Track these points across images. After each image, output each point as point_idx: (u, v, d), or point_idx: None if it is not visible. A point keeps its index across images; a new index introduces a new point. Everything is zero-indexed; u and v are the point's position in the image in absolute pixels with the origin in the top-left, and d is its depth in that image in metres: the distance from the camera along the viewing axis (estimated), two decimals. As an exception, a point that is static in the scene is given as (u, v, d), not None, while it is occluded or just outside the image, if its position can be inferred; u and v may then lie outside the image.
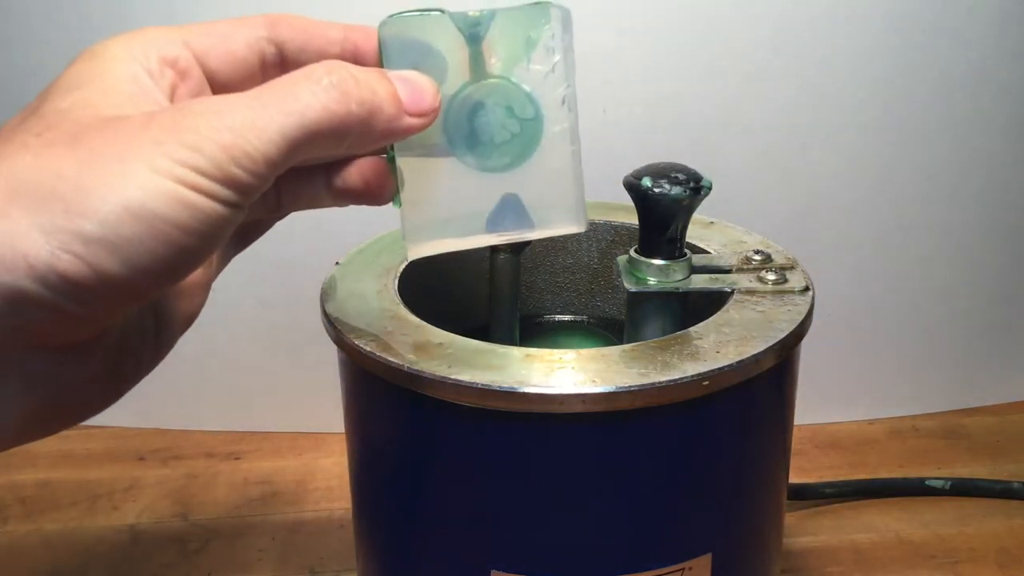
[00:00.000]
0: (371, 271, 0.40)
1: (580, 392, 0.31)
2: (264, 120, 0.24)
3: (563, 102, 0.31)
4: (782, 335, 0.34)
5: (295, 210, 0.34)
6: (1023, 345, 0.66)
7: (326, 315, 0.36)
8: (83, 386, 0.27)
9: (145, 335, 0.29)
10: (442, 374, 0.31)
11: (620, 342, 0.41)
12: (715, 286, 0.38)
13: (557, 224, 0.33)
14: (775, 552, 0.40)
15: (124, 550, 0.54)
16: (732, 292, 0.38)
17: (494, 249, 0.41)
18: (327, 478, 0.60)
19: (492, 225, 0.32)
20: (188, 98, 0.28)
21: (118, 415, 0.64)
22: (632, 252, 0.39)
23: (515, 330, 0.43)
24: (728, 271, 0.40)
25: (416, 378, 0.32)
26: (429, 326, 0.35)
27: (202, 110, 0.24)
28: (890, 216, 0.60)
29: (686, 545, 0.34)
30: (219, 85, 0.29)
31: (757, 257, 0.40)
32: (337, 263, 0.41)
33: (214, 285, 0.34)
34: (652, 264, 0.38)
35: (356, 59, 0.30)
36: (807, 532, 0.54)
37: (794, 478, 0.47)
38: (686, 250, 0.39)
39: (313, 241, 0.56)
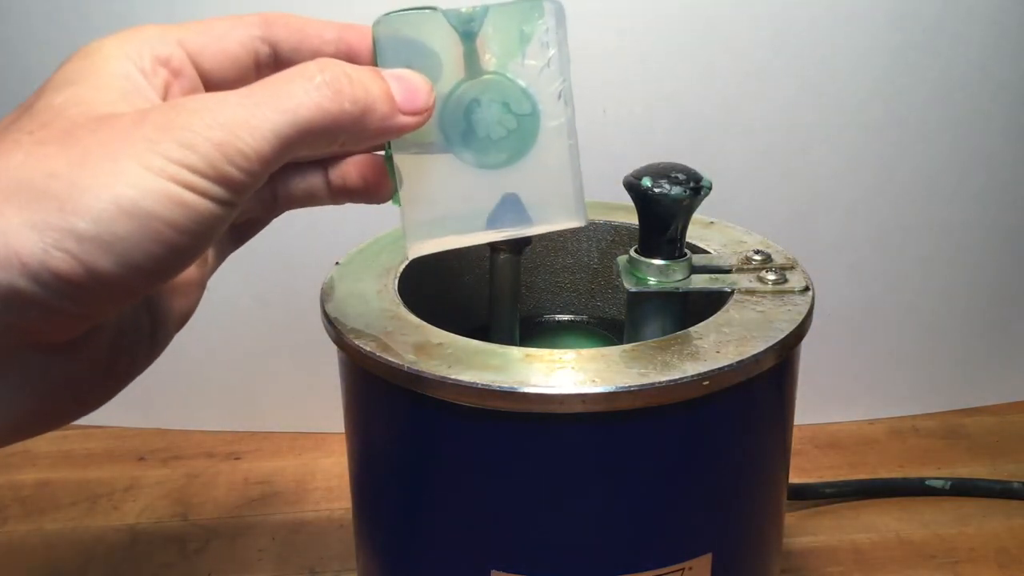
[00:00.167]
0: (371, 271, 0.40)
1: (580, 392, 0.31)
2: (257, 118, 0.24)
3: (559, 96, 0.31)
4: (782, 335, 0.34)
5: (292, 208, 0.34)
6: (1023, 345, 0.66)
7: (326, 315, 0.36)
8: (78, 384, 0.27)
9: (140, 333, 0.29)
10: (442, 374, 0.31)
11: (620, 342, 0.41)
12: (715, 286, 0.38)
13: (556, 219, 0.33)
14: (775, 552, 0.40)
15: (124, 550, 0.54)
16: (732, 292, 0.38)
17: (494, 249, 0.41)
18: (327, 478, 0.60)
19: (492, 222, 0.32)
20: (181, 97, 0.28)
21: (118, 415, 0.64)
22: (632, 252, 0.39)
23: (515, 330, 0.43)
24: (728, 271, 0.40)
25: (416, 378, 0.32)
26: (429, 326, 0.35)
27: (195, 107, 0.24)
28: (890, 216, 0.60)
29: (686, 545, 0.34)
30: (213, 84, 0.29)
31: (757, 257, 0.40)
32: (337, 263, 0.41)
33: (214, 285, 0.34)
34: (652, 264, 0.38)
35: (350, 59, 0.30)
36: (807, 532, 0.54)
37: (794, 478, 0.47)
38: (686, 250, 0.39)
39: (313, 241, 0.57)
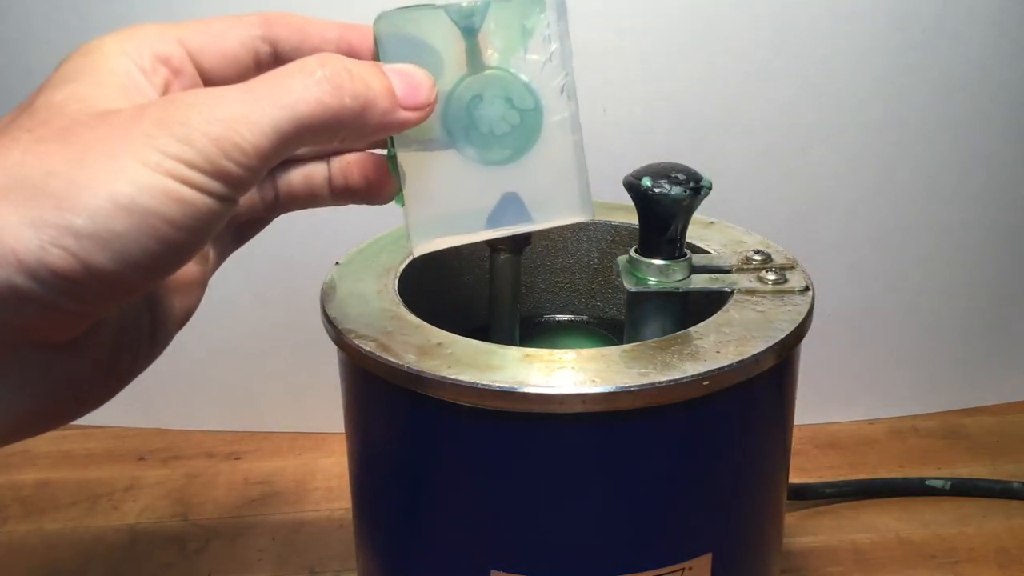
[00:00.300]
0: (371, 271, 0.40)
1: (580, 392, 0.31)
2: (256, 113, 0.24)
3: (562, 91, 0.31)
4: (782, 335, 0.34)
5: (294, 209, 0.34)
6: (1023, 345, 0.66)
7: (326, 315, 0.36)
8: (78, 383, 0.27)
9: (140, 331, 0.29)
10: (442, 374, 0.31)
11: (620, 342, 0.41)
12: (715, 286, 0.38)
13: (563, 214, 0.33)
14: (775, 552, 0.40)
15: (124, 550, 0.54)
16: (732, 292, 0.38)
17: (494, 249, 0.41)
18: (327, 478, 0.60)
19: (497, 218, 0.32)
20: None
21: (118, 415, 0.64)
22: (632, 252, 0.39)
23: (515, 330, 0.43)
24: (728, 271, 0.40)
25: (416, 378, 0.32)
26: (429, 326, 0.35)
27: (193, 102, 0.24)
28: (890, 216, 0.60)
29: (686, 545, 0.34)
30: (212, 83, 0.29)
31: (757, 257, 0.40)
32: (337, 263, 0.41)
33: (214, 285, 0.34)
34: (652, 264, 0.38)
35: (352, 57, 0.30)
36: (807, 532, 0.54)
37: (794, 478, 0.47)
38: (686, 250, 0.39)
39: (313, 241, 0.56)
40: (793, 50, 0.56)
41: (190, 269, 0.31)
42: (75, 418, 0.28)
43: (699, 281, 0.38)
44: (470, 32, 0.30)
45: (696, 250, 0.42)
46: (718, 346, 0.33)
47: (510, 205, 0.32)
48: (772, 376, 0.34)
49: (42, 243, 0.22)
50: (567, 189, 0.32)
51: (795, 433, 0.39)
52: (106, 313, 0.26)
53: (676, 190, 0.36)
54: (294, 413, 0.64)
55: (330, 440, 0.63)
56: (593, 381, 0.31)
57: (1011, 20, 0.56)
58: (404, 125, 0.28)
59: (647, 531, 0.34)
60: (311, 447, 0.63)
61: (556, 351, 0.33)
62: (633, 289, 0.38)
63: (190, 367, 0.62)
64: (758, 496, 0.37)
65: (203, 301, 0.32)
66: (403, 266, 0.40)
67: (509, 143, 0.31)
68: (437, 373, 0.31)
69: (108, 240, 0.22)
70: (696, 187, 0.37)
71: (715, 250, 0.42)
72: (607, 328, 0.47)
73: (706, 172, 0.38)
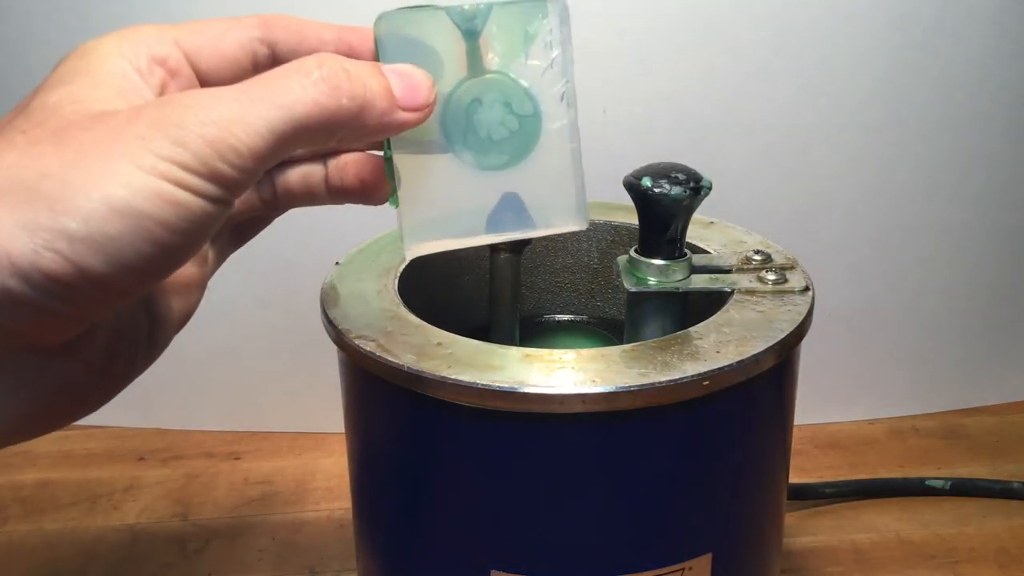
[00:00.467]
0: (371, 271, 0.40)
1: (580, 392, 0.31)
2: (252, 114, 0.24)
3: (562, 98, 0.31)
4: (782, 335, 0.34)
5: (292, 207, 0.34)
6: (1023, 345, 0.66)
7: (326, 315, 0.36)
8: (74, 385, 0.26)
9: (138, 334, 0.29)
10: (442, 374, 0.31)
11: (620, 342, 0.41)
12: (715, 286, 0.38)
13: (557, 222, 0.32)
14: (775, 552, 0.40)
15: (124, 550, 0.54)
16: (732, 292, 0.38)
17: (494, 249, 0.41)
18: (327, 478, 0.60)
19: (491, 224, 0.32)
20: None
21: (118, 415, 0.64)
22: (632, 252, 0.39)
23: (515, 330, 0.43)
24: (728, 271, 0.40)
25: (416, 378, 0.32)
26: (429, 326, 0.35)
27: (188, 103, 0.24)
28: (890, 216, 0.60)
29: (686, 545, 0.34)
30: (209, 84, 0.29)
31: (757, 257, 0.40)
32: (337, 263, 0.41)
33: (214, 285, 0.34)
34: (652, 264, 0.38)
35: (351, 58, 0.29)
36: (807, 532, 0.54)
37: (794, 478, 0.47)
38: (686, 250, 0.39)
39: (313, 241, 0.57)
40: (793, 50, 0.56)
41: (188, 270, 0.31)
42: (73, 420, 0.27)
43: (699, 281, 0.38)
44: (471, 35, 0.30)
45: (696, 250, 0.42)
46: (718, 346, 0.33)
47: (504, 211, 0.32)
48: (772, 376, 0.34)
49: (35, 246, 0.22)
50: (563, 197, 0.32)
51: (795, 433, 0.39)
52: (100, 316, 0.26)
53: (676, 190, 0.36)
54: (294, 413, 0.64)
55: (330, 440, 0.63)
56: (593, 381, 0.31)
57: (1011, 20, 0.56)
58: (403, 126, 0.28)
59: (647, 531, 0.34)
60: (311, 447, 0.63)
61: (556, 351, 0.33)
62: (633, 289, 0.38)
63: (190, 367, 0.62)
64: (758, 496, 0.37)
65: (203, 302, 0.32)
66: (403, 266, 0.40)
67: (507, 148, 0.31)
68: (437, 373, 0.31)
69: (101, 243, 0.22)
70: (696, 187, 0.37)
71: (715, 250, 0.42)
72: (607, 328, 0.47)
73: (706, 172, 0.38)
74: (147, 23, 0.28)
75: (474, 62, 0.30)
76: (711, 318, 0.36)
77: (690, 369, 0.32)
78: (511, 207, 0.32)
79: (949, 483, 0.57)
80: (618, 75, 0.56)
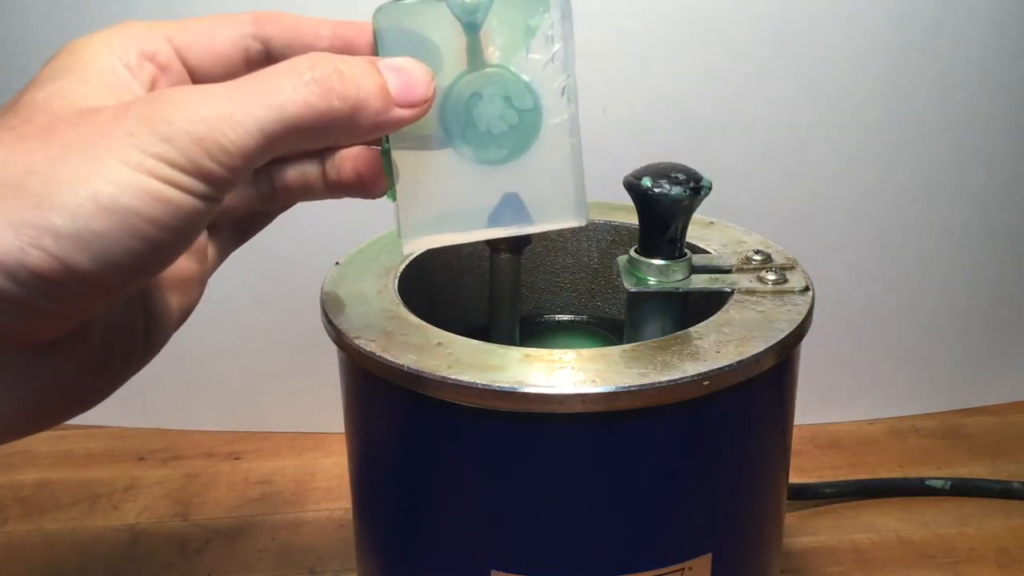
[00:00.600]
0: (371, 271, 0.40)
1: (580, 392, 0.31)
2: (241, 113, 0.24)
3: (563, 93, 0.31)
4: (782, 335, 0.34)
5: (289, 201, 0.33)
6: (1023, 345, 0.66)
7: (326, 315, 0.36)
8: (67, 383, 0.26)
9: (134, 330, 0.29)
10: (442, 374, 0.31)
11: (620, 342, 0.41)
12: (715, 286, 0.38)
13: (556, 218, 0.32)
14: (775, 552, 0.40)
15: (124, 550, 0.54)
16: (732, 292, 0.38)
17: (494, 249, 0.41)
18: (327, 478, 0.60)
19: (490, 219, 0.32)
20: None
21: (118, 415, 0.64)
22: (632, 252, 0.39)
23: (515, 330, 0.43)
24: (728, 271, 0.40)
25: (416, 378, 0.32)
26: (429, 326, 0.35)
27: (177, 100, 0.24)
28: (890, 216, 0.60)
29: (686, 545, 0.34)
30: (201, 81, 0.29)
31: (757, 257, 0.40)
32: (337, 263, 0.41)
33: (214, 285, 0.33)
34: (652, 264, 0.38)
35: (348, 53, 0.29)
36: (807, 532, 0.54)
37: (794, 478, 0.47)
38: (686, 250, 0.39)
39: (313, 241, 0.57)
40: (793, 50, 0.56)
41: (187, 267, 0.31)
42: (70, 417, 0.27)
43: (699, 281, 0.38)
44: (472, 28, 0.30)
45: (696, 250, 0.42)
46: (718, 346, 0.33)
47: (503, 207, 0.32)
48: (772, 376, 0.34)
49: (21, 244, 0.22)
50: (562, 193, 0.32)
51: (795, 433, 0.39)
52: (90, 314, 0.25)
53: (676, 190, 0.36)
54: (294, 413, 0.64)
55: (330, 440, 0.63)
56: (593, 381, 0.31)
57: (1011, 20, 0.56)
58: (400, 123, 0.27)
59: (647, 531, 0.34)
60: (311, 447, 0.63)
61: (556, 351, 0.33)
62: (633, 289, 0.38)
63: (190, 367, 0.62)
64: (758, 496, 0.37)
65: (203, 301, 0.32)
66: (403, 266, 0.40)
67: (506, 143, 0.31)
68: (437, 373, 0.31)
69: (88, 240, 0.22)
70: (696, 187, 0.37)
71: (715, 250, 0.42)
72: (607, 328, 0.47)
73: (706, 172, 0.38)
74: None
75: (474, 56, 0.30)
76: (711, 318, 0.36)
77: (690, 369, 0.32)
78: (509, 203, 0.32)
79: (949, 483, 0.57)
80: (618, 75, 0.56)
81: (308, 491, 0.59)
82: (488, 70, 0.30)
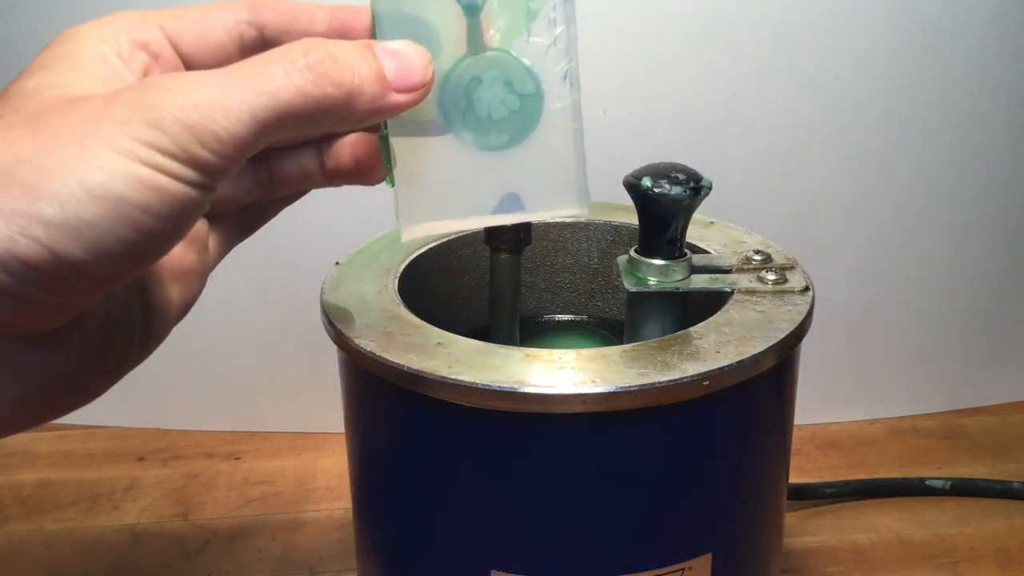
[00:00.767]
0: (371, 271, 0.40)
1: (580, 392, 0.31)
2: (233, 100, 0.23)
3: (565, 77, 0.30)
4: (782, 335, 0.34)
5: (288, 191, 0.33)
6: (1023, 345, 0.66)
7: (326, 315, 0.36)
8: (66, 374, 0.26)
9: (131, 321, 0.28)
10: (442, 374, 0.31)
11: (620, 342, 0.41)
12: (715, 286, 0.38)
13: (557, 205, 0.31)
14: (775, 552, 0.40)
15: (124, 550, 0.54)
16: (732, 292, 0.38)
17: (494, 249, 0.41)
18: (327, 478, 0.60)
19: (490, 207, 0.31)
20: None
21: (118, 415, 0.64)
22: (632, 252, 0.39)
23: (515, 330, 0.43)
24: (728, 271, 0.40)
25: (416, 378, 0.32)
26: (429, 326, 0.35)
27: (168, 87, 0.23)
28: (890, 216, 0.60)
29: (686, 545, 0.34)
30: (194, 69, 0.28)
31: (757, 257, 0.40)
32: (337, 263, 0.41)
33: (214, 285, 0.33)
34: (652, 264, 0.38)
35: (345, 38, 0.29)
36: (807, 532, 0.54)
37: (794, 478, 0.47)
38: (686, 250, 0.39)
39: (313, 241, 0.57)
40: (793, 50, 0.56)
41: (187, 258, 0.30)
42: (70, 410, 0.27)
43: (699, 281, 0.38)
44: (472, 11, 0.29)
45: (696, 250, 0.42)
46: (718, 346, 0.33)
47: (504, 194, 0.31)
48: (772, 376, 0.34)
49: (11, 233, 0.21)
50: (564, 179, 0.31)
51: (795, 433, 0.39)
52: (85, 305, 0.25)
53: (676, 190, 0.36)
54: (294, 413, 0.64)
55: (330, 440, 0.63)
56: (593, 381, 0.31)
57: (1011, 20, 0.56)
58: (397, 109, 0.27)
59: (647, 531, 0.34)
60: (311, 447, 0.63)
61: (556, 351, 0.33)
62: (633, 289, 0.38)
63: (190, 367, 0.62)
64: (758, 496, 0.37)
65: (203, 301, 0.32)
66: (403, 266, 0.40)
67: (507, 128, 0.30)
68: (437, 373, 0.31)
69: (79, 229, 0.22)
70: (696, 187, 0.37)
71: (715, 250, 0.42)
72: (607, 328, 0.47)
73: (706, 172, 0.38)
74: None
75: (474, 39, 0.30)
76: (711, 318, 0.36)
77: (690, 369, 0.32)
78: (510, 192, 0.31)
79: (949, 483, 0.57)
80: (618, 75, 0.56)
81: (308, 491, 0.59)
82: (489, 54, 0.30)
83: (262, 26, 0.29)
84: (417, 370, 0.32)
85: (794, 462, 0.41)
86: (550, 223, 0.46)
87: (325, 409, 0.58)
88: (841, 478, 0.58)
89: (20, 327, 0.24)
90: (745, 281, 0.38)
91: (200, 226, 0.31)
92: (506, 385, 0.31)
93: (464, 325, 0.44)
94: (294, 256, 0.59)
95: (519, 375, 0.31)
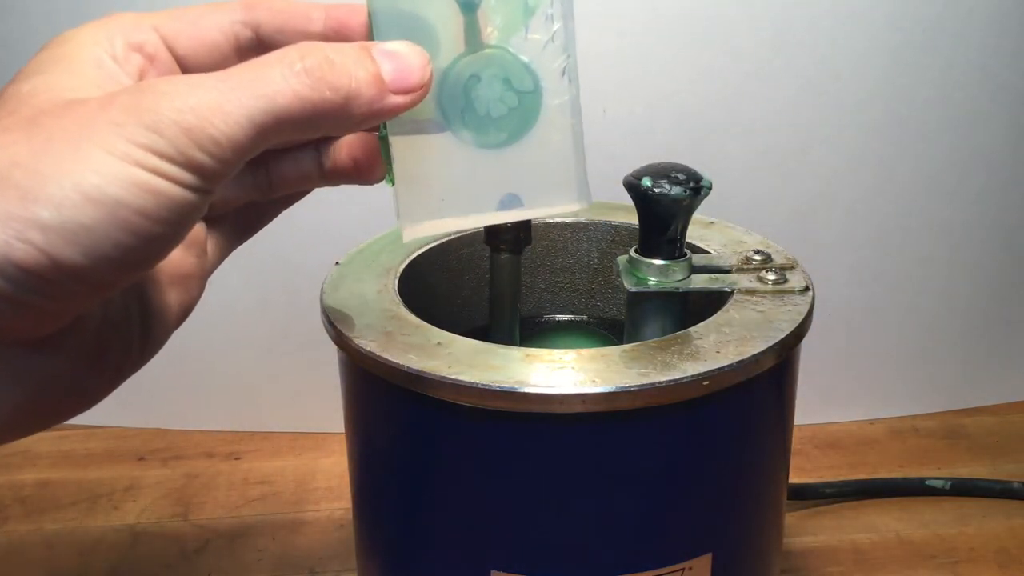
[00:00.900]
0: (371, 271, 0.40)
1: (580, 392, 0.31)
2: (231, 103, 0.23)
3: (563, 73, 0.30)
4: (782, 335, 0.34)
5: (287, 191, 0.33)
6: (1023, 345, 0.66)
7: (326, 315, 0.36)
8: (65, 379, 0.26)
9: (130, 326, 0.28)
10: (442, 374, 0.31)
11: (620, 342, 0.41)
12: (715, 286, 0.38)
13: (557, 201, 0.31)
14: (775, 552, 0.40)
15: (124, 550, 0.54)
16: (732, 292, 0.38)
17: (494, 249, 0.41)
18: (327, 478, 0.60)
19: (490, 204, 0.31)
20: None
21: (118, 415, 0.64)
22: (632, 252, 0.39)
23: (515, 330, 0.43)
24: (728, 271, 0.40)
25: (416, 378, 0.32)
26: (429, 326, 0.35)
27: (165, 90, 0.23)
28: (890, 216, 0.60)
29: (686, 545, 0.34)
30: (190, 70, 0.28)
31: (757, 257, 0.40)
32: (337, 263, 0.41)
33: (214, 285, 0.33)
34: (652, 264, 0.38)
35: (342, 36, 0.29)
36: (807, 532, 0.54)
37: (794, 478, 0.47)
38: (686, 250, 0.39)
39: (313, 241, 0.57)
40: (793, 50, 0.56)
41: (186, 262, 0.30)
42: (70, 416, 0.27)
43: (699, 281, 0.38)
44: (469, 8, 0.29)
45: (696, 250, 0.42)
46: (718, 346, 0.33)
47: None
48: (772, 376, 0.34)
49: (7, 238, 0.21)
50: (563, 176, 0.31)
51: (795, 433, 0.39)
52: (83, 310, 0.25)
53: (676, 190, 0.36)
54: (294, 413, 0.64)
55: (330, 440, 0.63)
56: (593, 381, 0.31)
57: (1011, 20, 0.56)
58: (395, 111, 0.27)
59: (647, 531, 0.34)
60: (311, 447, 0.63)
61: (556, 351, 0.33)
62: (633, 289, 0.38)
63: (190, 367, 0.62)
64: (758, 496, 0.37)
65: (203, 302, 0.32)
66: (403, 266, 0.40)
67: (506, 126, 0.30)
68: (437, 373, 0.31)
69: (76, 233, 0.22)
70: (696, 187, 0.37)
71: (715, 250, 0.42)
72: (607, 328, 0.47)
73: (706, 172, 0.38)
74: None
75: (472, 36, 0.29)
76: (711, 318, 0.36)
77: (690, 369, 0.32)
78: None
79: (949, 483, 0.57)
80: (618, 75, 0.56)
81: (308, 491, 0.59)
82: (487, 51, 0.30)
83: (257, 26, 0.29)
84: (417, 370, 0.32)
85: (794, 462, 0.41)
86: (550, 223, 0.46)
87: (325, 409, 0.58)
88: (841, 478, 0.58)
89: (18, 332, 0.24)
90: (745, 281, 0.38)
91: (198, 229, 0.31)
92: (506, 385, 0.31)
93: (464, 325, 0.44)
94: (294, 256, 0.59)
95: (519, 375, 0.31)
